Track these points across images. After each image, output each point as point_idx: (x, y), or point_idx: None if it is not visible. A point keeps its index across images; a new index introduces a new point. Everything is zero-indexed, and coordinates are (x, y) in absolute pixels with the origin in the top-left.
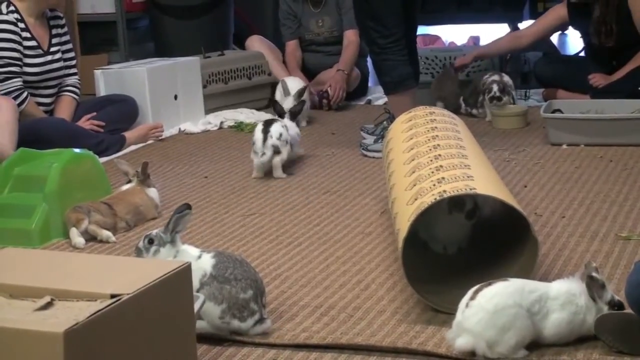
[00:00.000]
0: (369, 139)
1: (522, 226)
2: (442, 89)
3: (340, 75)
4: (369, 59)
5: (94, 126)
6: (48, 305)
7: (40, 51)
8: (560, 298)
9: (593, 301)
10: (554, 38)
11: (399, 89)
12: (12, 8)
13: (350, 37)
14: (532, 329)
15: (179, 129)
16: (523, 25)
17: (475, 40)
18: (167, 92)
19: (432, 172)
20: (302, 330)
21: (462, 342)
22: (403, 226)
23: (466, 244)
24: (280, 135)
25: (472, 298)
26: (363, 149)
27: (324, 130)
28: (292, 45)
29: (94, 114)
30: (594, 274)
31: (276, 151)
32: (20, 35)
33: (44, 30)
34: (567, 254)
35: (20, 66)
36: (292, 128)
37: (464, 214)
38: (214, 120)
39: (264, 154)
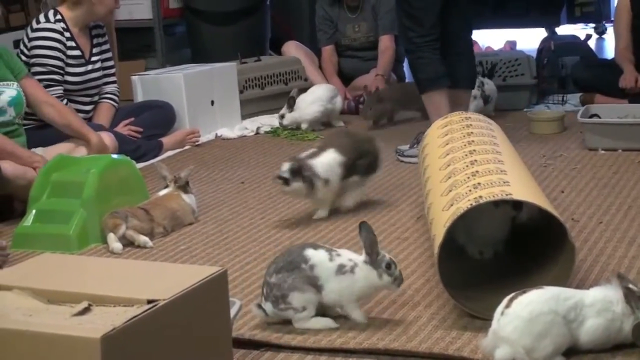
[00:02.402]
0: (405, 145)
1: (559, 232)
2: None
3: (379, 80)
4: (405, 64)
5: (131, 132)
6: (85, 310)
7: (82, 60)
8: (596, 305)
9: (631, 309)
10: (592, 42)
11: (433, 87)
12: (59, 17)
13: (386, 42)
14: (568, 336)
15: (216, 134)
16: (560, 30)
17: (512, 44)
18: (203, 98)
19: (468, 178)
20: (338, 336)
21: (501, 354)
22: (439, 232)
23: (502, 248)
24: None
25: (508, 306)
26: (399, 154)
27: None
28: (328, 51)
29: (132, 119)
30: (630, 285)
31: None
32: (65, 45)
33: (86, 40)
34: (604, 260)
35: (62, 74)
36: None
37: (510, 205)
38: (251, 125)
39: None
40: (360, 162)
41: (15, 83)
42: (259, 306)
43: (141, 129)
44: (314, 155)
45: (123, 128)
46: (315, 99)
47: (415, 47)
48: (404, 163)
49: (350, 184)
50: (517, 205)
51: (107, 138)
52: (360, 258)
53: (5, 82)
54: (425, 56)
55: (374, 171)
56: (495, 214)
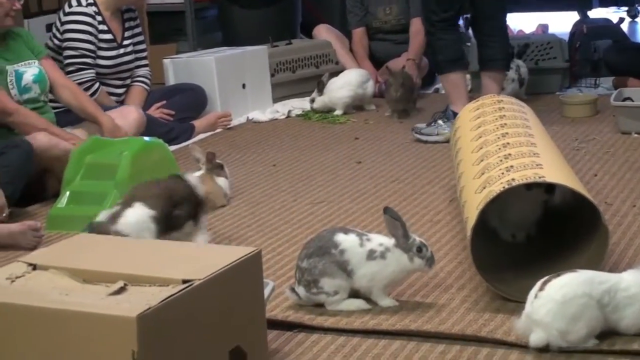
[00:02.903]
0: (422, 123)
1: (592, 215)
2: None
3: (410, 65)
4: None
5: (163, 115)
6: (121, 290)
7: (114, 44)
8: (630, 289)
9: None
10: (624, 26)
11: (452, 68)
12: (90, 1)
13: (418, 25)
14: (602, 320)
15: (247, 117)
16: (592, 13)
17: (544, 28)
18: (235, 81)
19: (501, 161)
20: (371, 317)
21: (536, 339)
22: (472, 214)
23: (535, 231)
24: None
25: (541, 289)
26: (416, 132)
27: (392, 118)
28: (359, 33)
29: (164, 102)
30: None
31: None
32: (96, 28)
33: (118, 23)
34: (638, 243)
35: (94, 58)
36: None
37: (543, 188)
38: (282, 108)
39: None
40: (177, 213)
41: (37, 61)
42: (293, 290)
43: (173, 112)
44: (116, 216)
45: (155, 111)
46: (345, 84)
47: (435, 28)
48: (426, 143)
49: (184, 235)
50: (550, 188)
51: (134, 113)
52: (391, 242)
53: (27, 62)
54: (445, 37)
55: (201, 215)
56: (528, 197)
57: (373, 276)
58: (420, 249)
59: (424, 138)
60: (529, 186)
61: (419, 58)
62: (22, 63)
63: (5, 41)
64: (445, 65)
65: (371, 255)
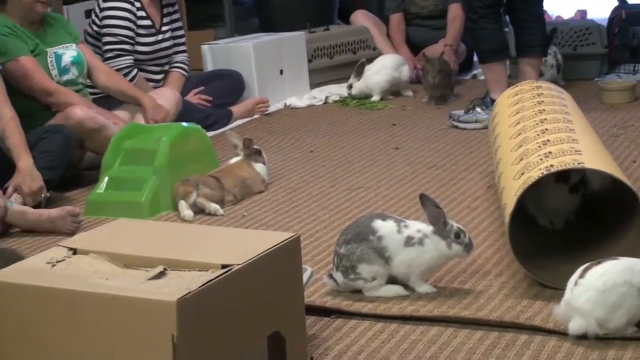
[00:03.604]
0: (459, 110)
1: (631, 201)
2: None
3: (448, 50)
4: None
5: (201, 101)
6: (161, 274)
7: (153, 30)
8: None
9: None
10: None
11: (496, 58)
12: None
13: (456, 10)
14: None
15: (285, 103)
16: None
17: (582, 13)
18: (272, 67)
19: (539, 147)
20: (409, 304)
21: (575, 326)
22: (510, 201)
23: (574, 218)
24: None
25: (581, 276)
26: (453, 119)
27: (430, 104)
28: (396, 19)
29: (202, 88)
30: None
31: None
32: (135, 15)
33: (156, 9)
34: None
35: (132, 44)
36: None
37: (567, 187)
38: (319, 94)
39: None
40: None
41: (74, 44)
42: (330, 275)
43: (211, 98)
44: None
45: (193, 97)
46: (381, 68)
47: (478, 16)
48: (463, 130)
49: None
50: (575, 187)
51: (170, 92)
52: (429, 229)
53: (64, 45)
54: (489, 27)
55: None
56: (556, 189)
57: (411, 262)
58: (458, 235)
59: (461, 125)
60: (558, 178)
61: (456, 44)
62: (61, 46)
63: (43, 26)
64: (490, 55)
65: (409, 241)
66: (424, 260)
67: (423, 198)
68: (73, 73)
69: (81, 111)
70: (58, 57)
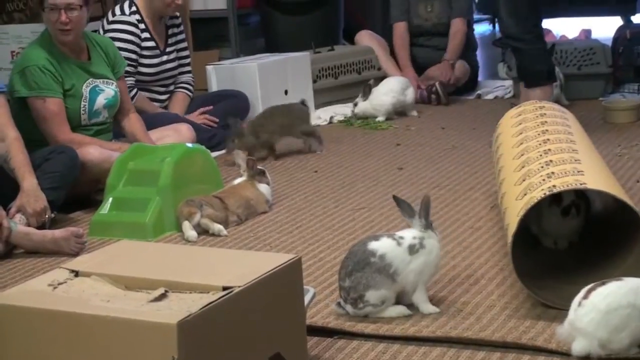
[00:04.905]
0: None
1: (634, 221)
2: None
3: (445, 65)
4: (479, 52)
5: (207, 121)
6: (162, 296)
7: (157, 51)
8: None
9: None
10: None
11: (550, 79)
12: (134, 9)
13: (458, 25)
14: None
15: None
16: (636, 18)
17: (587, 33)
18: (277, 87)
19: (542, 167)
20: (411, 325)
21: (578, 347)
22: (512, 221)
23: (577, 239)
24: None
25: (585, 297)
26: None
27: (434, 124)
28: (401, 27)
29: (209, 108)
30: None
31: None
32: (139, 37)
33: (161, 31)
34: None
35: (135, 66)
36: None
37: (560, 209)
38: (324, 114)
39: None
40: None
41: (115, 82)
42: (339, 305)
43: (217, 120)
44: None
45: (198, 117)
46: (388, 91)
47: (533, 36)
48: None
49: None
50: (566, 210)
51: (186, 130)
52: (416, 231)
53: (106, 80)
54: (541, 48)
55: None
56: (549, 212)
57: (422, 269)
58: (431, 223)
59: None
60: (550, 202)
61: (455, 58)
62: (102, 81)
63: (89, 53)
64: (547, 76)
65: (412, 249)
66: (432, 260)
67: (396, 199)
68: (103, 116)
69: (95, 151)
70: (92, 100)
